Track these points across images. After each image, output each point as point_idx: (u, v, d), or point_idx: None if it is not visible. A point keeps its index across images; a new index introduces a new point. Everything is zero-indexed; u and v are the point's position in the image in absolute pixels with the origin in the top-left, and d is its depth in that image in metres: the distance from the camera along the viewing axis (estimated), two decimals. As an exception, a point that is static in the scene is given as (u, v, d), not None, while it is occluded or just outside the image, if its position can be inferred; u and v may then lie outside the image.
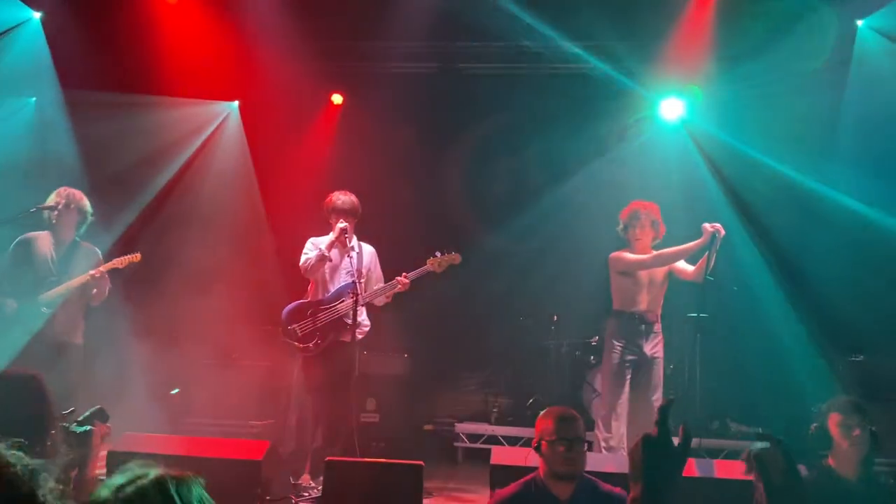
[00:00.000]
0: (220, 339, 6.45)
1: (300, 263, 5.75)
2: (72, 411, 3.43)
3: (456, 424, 7.59)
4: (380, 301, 5.78)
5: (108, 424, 3.40)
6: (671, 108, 7.69)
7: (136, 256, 5.54)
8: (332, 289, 5.72)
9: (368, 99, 7.92)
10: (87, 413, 3.40)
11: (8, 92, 6.62)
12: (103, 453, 4.29)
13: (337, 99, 8.37)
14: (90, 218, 5.51)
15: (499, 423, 7.62)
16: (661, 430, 1.59)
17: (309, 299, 5.78)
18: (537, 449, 3.21)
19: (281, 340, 5.72)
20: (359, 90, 8.17)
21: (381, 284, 5.79)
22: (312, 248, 5.75)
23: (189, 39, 7.31)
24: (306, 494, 5.19)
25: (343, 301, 5.63)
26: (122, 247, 6.01)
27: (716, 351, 7.14)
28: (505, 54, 8.02)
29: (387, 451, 6.42)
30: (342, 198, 5.77)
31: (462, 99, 8.19)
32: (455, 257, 5.82)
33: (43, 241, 5.44)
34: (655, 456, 1.57)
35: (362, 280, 5.68)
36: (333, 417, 5.60)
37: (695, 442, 6.32)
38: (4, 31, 6.83)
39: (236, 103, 8.20)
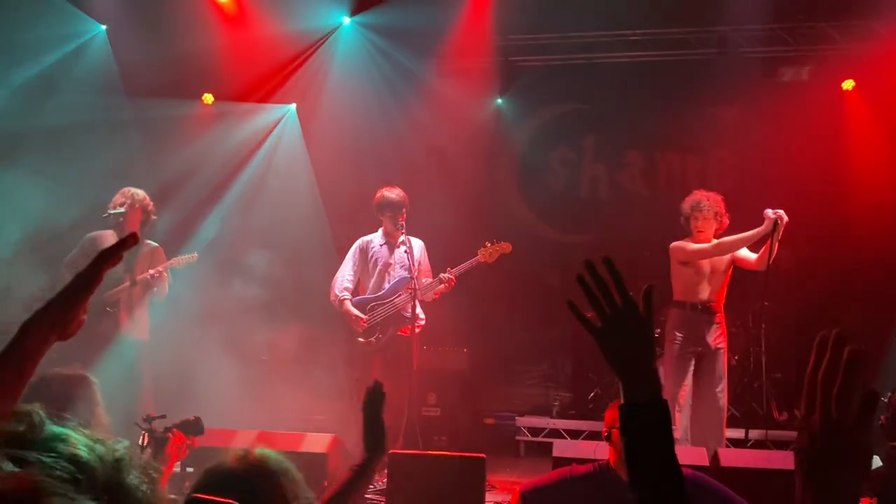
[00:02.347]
0: (283, 334, 6.59)
1: (335, 283, 5.88)
2: (162, 416, 3.54)
3: (517, 418, 7.59)
4: (427, 297, 5.82)
5: (191, 437, 3.46)
6: None
7: (194, 256, 5.76)
8: (388, 284, 5.83)
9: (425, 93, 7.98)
10: (178, 421, 3.48)
11: (80, 102, 6.90)
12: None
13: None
14: (153, 217, 5.73)
15: (560, 416, 7.59)
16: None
17: (367, 295, 5.90)
18: (608, 438, 3.20)
19: (342, 336, 5.85)
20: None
21: (430, 278, 5.85)
22: (350, 273, 5.89)
23: (245, 43, 7.48)
24: (371, 487, 5.27)
25: (400, 295, 5.74)
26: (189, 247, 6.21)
27: (781, 341, 6.98)
28: (558, 46, 7.98)
29: (448, 444, 6.46)
30: (395, 191, 5.84)
31: (517, 90, 8.18)
32: (505, 246, 5.81)
33: (108, 240, 5.68)
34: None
35: (415, 274, 5.75)
36: (393, 411, 5.67)
37: (762, 434, 6.21)
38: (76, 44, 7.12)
39: (294, 106, 8.35)
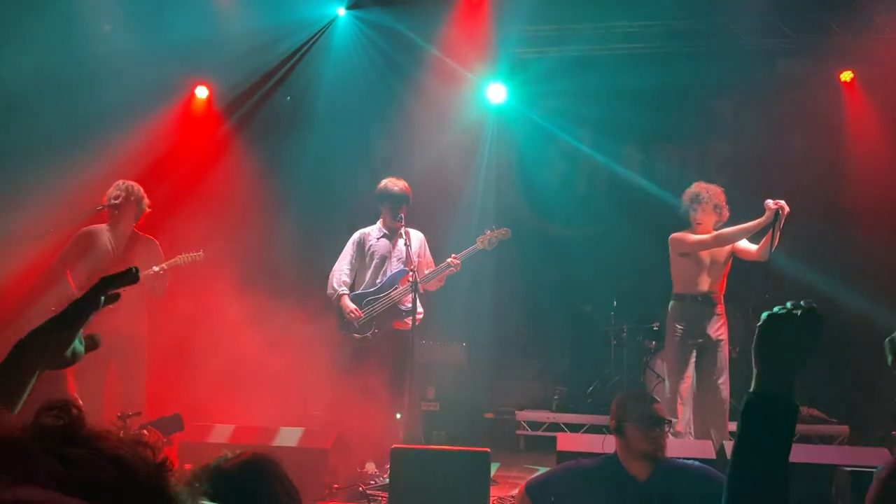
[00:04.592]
0: (280, 328, 6.53)
1: (333, 276, 5.83)
2: (138, 414, 3.48)
3: (517, 412, 7.56)
4: (432, 286, 5.78)
5: (169, 435, 3.39)
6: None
7: (200, 254, 5.68)
8: (384, 277, 5.77)
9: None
10: (156, 419, 3.42)
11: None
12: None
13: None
14: (147, 210, 5.66)
15: (560, 410, 7.56)
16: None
17: (363, 289, 5.83)
18: (617, 430, 3.16)
19: (339, 331, 5.80)
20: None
21: (432, 269, 5.80)
22: (347, 266, 5.83)
23: (240, 34, 7.39)
24: (373, 482, 5.23)
25: (396, 288, 5.69)
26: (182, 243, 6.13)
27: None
28: (556, 37, 7.93)
29: (448, 439, 6.43)
30: (398, 184, 5.78)
31: (514, 83, 8.14)
32: (505, 232, 5.79)
33: (102, 234, 5.61)
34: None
35: (414, 266, 5.71)
36: (393, 405, 5.64)
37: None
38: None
39: (287, 99, 8.27)
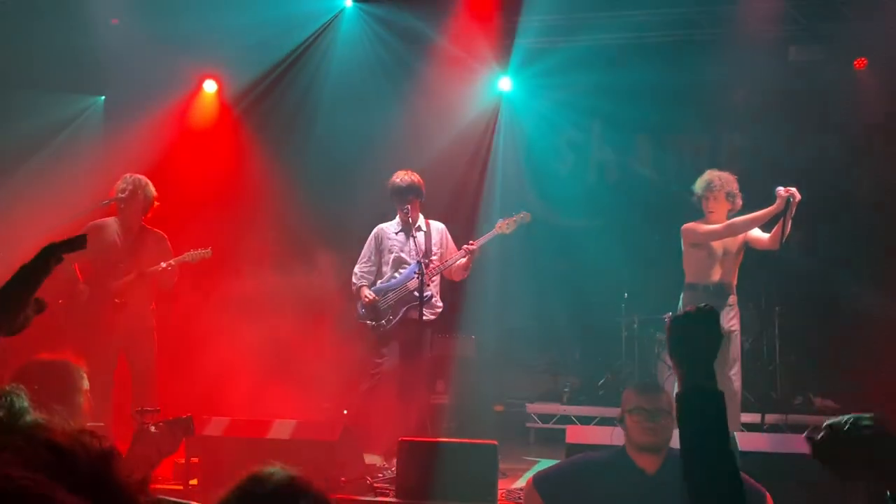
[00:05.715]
0: (286, 323, 6.52)
1: (354, 273, 5.89)
2: (157, 410, 3.45)
3: (527, 405, 7.53)
4: (458, 275, 5.79)
5: (178, 437, 3.37)
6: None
7: (209, 251, 5.69)
8: (400, 274, 5.80)
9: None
10: (170, 418, 3.40)
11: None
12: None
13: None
14: (156, 203, 5.65)
15: (571, 402, 7.52)
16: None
17: (381, 284, 5.84)
18: (621, 422, 3.13)
19: (354, 323, 5.82)
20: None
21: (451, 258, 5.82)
22: (366, 262, 5.87)
23: (247, 27, 7.35)
24: (381, 475, 5.20)
25: (413, 280, 5.69)
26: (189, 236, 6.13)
27: (795, 324, 6.89)
28: (565, 27, 7.86)
29: (457, 432, 6.40)
30: (402, 177, 5.76)
31: (523, 73, 8.07)
32: (524, 216, 5.79)
33: (110, 227, 5.61)
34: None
35: (433, 257, 5.70)
36: (404, 398, 5.63)
37: (778, 418, 6.12)
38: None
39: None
